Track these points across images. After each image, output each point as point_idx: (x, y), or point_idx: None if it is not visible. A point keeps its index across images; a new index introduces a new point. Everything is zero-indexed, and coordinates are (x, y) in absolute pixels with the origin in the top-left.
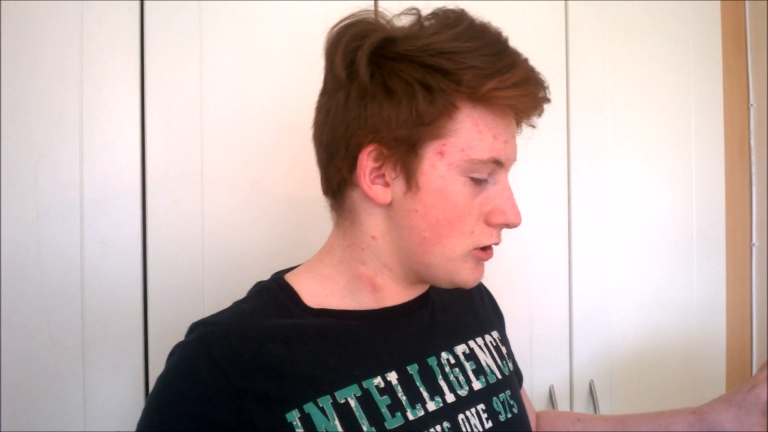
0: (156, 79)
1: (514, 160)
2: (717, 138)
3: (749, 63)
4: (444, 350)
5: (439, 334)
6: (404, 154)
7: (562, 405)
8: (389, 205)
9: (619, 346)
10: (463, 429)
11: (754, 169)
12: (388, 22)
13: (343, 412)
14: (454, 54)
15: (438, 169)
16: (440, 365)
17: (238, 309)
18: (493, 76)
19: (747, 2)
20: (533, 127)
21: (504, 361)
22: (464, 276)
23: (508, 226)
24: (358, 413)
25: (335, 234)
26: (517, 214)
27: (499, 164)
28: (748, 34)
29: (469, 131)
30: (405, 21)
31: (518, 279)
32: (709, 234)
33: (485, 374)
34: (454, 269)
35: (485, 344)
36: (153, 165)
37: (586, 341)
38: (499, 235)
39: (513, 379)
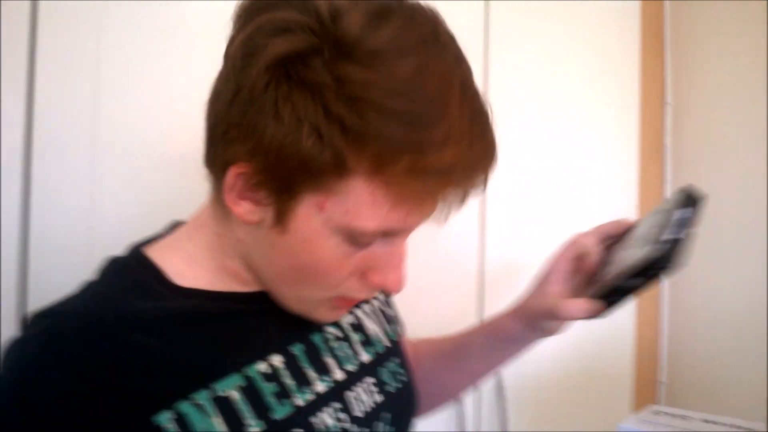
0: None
1: (421, 223)
2: (632, 137)
3: (667, 62)
4: (330, 323)
5: None
6: (279, 190)
7: (469, 399)
8: (255, 224)
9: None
10: (354, 407)
11: (668, 169)
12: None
13: (225, 407)
14: (367, 107)
15: (312, 221)
16: (326, 341)
17: (92, 291)
18: (407, 151)
19: (667, 2)
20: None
21: (392, 326)
22: (317, 317)
23: (384, 290)
24: (242, 406)
25: (209, 212)
26: (400, 282)
27: (390, 235)
28: (667, 35)
29: (360, 196)
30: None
31: (425, 254)
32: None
33: (373, 345)
34: (306, 309)
35: (372, 310)
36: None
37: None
38: (372, 292)
39: (400, 345)
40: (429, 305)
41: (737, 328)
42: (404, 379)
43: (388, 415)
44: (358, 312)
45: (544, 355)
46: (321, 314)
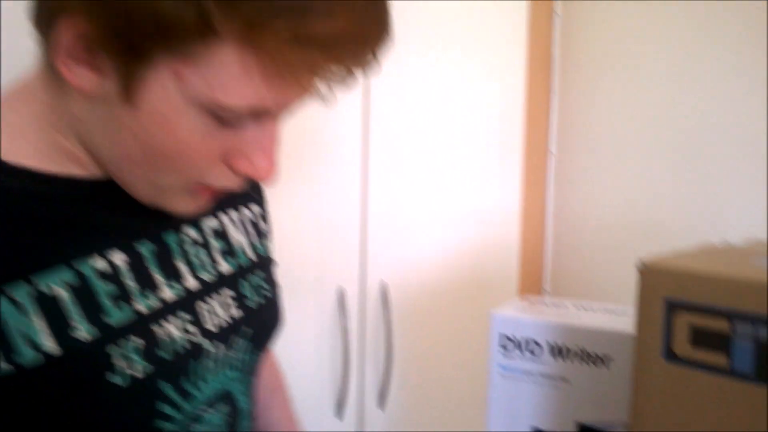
0: None
1: (298, 103)
2: (519, 46)
3: None
4: (188, 224)
5: None
6: (125, 53)
7: (353, 310)
8: (94, 97)
9: (414, 251)
10: (207, 320)
11: (555, 78)
12: None
13: (49, 305)
14: None
15: (168, 93)
16: (181, 243)
17: None
18: (286, 16)
19: None
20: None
21: (261, 240)
22: (174, 206)
23: (253, 178)
24: (71, 306)
25: (40, 78)
26: (270, 170)
27: (261, 113)
28: None
29: (228, 66)
30: None
31: (308, 171)
32: (507, 142)
33: (236, 255)
34: (161, 198)
35: (241, 220)
36: None
37: (380, 244)
38: (239, 182)
39: (270, 262)
40: (311, 245)
41: (615, 234)
42: (268, 294)
43: (249, 331)
44: (224, 218)
45: (428, 263)
46: (178, 203)
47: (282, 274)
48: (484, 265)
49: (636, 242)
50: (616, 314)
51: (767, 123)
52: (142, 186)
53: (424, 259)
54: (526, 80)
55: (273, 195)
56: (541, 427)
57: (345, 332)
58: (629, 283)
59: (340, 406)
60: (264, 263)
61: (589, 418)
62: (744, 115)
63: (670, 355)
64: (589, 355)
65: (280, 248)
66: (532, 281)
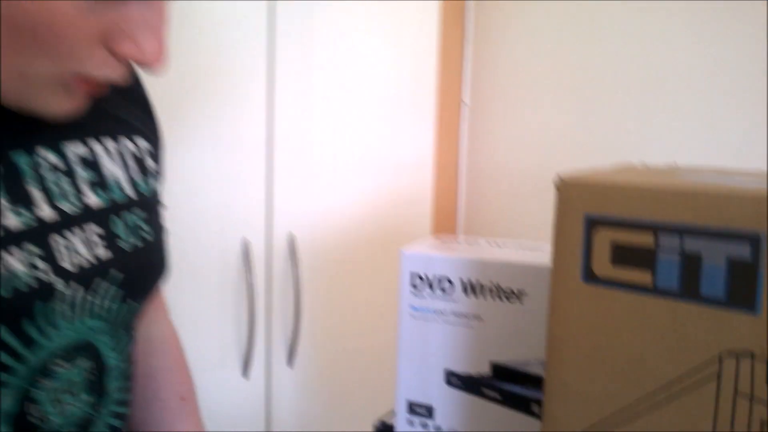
0: None
1: None
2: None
3: None
4: (45, 146)
5: (42, 121)
6: None
7: (259, 264)
8: None
9: (324, 202)
10: (63, 257)
11: (469, 26)
12: None
13: None
14: None
15: None
16: (35, 167)
17: None
18: None
19: None
20: None
21: (146, 178)
22: (43, 105)
23: (140, 64)
24: None
25: None
26: (158, 53)
27: None
28: None
29: None
30: None
31: (211, 114)
32: (421, 92)
33: (108, 189)
34: (25, 92)
35: (118, 151)
36: None
37: (287, 194)
38: (122, 71)
39: (155, 203)
40: (213, 194)
41: (527, 181)
42: (148, 237)
43: (119, 276)
44: (96, 147)
45: (338, 214)
46: (50, 101)
47: (182, 225)
48: (396, 216)
49: (549, 189)
50: (530, 249)
51: (671, 70)
52: (4, 78)
53: (334, 210)
54: (439, 30)
55: (172, 138)
56: (454, 368)
57: (250, 287)
58: (542, 227)
59: (246, 365)
60: (146, 203)
61: (504, 358)
62: (648, 62)
63: (590, 276)
64: (503, 291)
65: (179, 197)
66: (445, 229)
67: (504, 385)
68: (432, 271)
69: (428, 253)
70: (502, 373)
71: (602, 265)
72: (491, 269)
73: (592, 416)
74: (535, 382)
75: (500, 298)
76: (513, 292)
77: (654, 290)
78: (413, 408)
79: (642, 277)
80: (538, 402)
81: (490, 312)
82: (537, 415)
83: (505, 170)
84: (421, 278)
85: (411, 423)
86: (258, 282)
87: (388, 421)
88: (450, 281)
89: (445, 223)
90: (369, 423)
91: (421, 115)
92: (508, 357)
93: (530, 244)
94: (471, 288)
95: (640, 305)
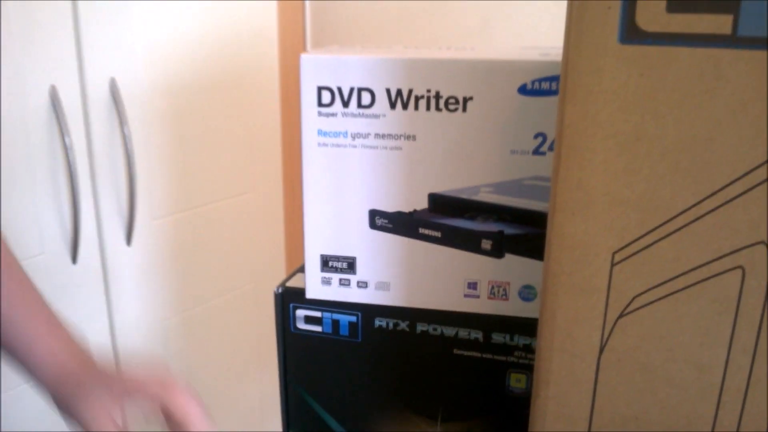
0: None
1: None
2: None
3: None
4: None
5: None
6: None
7: (75, 115)
8: None
9: (151, 42)
10: None
11: None
12: None
13: None
14: None
15: None
16: None
17: None
18: None
19: None
20: None
21: None
22: None
23: None
24: None
25: None
26: None
27: None
28: None
29: None
30: None
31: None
32: None
33: None
34: None
35: None
36: None
37: (103, 33)
38: None
39: None
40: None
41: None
42: None
43: None
44: None
45: (167, 56)
46: None
47: None
48: (238, 55)
49: None
50: (464, 49)
51: None
52: None
53: (161, 51)
54: None
55: None
56: (380, 206)
57: (66, 149)
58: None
59: (75, 249)
60: None
61: (445, 187)
62: None
63: (632, 32)
64: (442, 99)
65: None
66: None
67: (447, 220)
68: (347, 81)
69: (340, 57)
70: (443, 205)
71: (652, 15)
72: (427, 71)
73: (632, 230)
74: (485, 212)
75: (438, 108)
76: (455, 100)
77: (735, 40)
78: (329, 262)
79: (718, 23)
80: (491, 237)
81: (425, 128)
82: (490, 253)
83: None
84: (331, 92)
85: (327, 282)
86: (77, 143)
87: (296, 285)
88: (371, 92)
89: (292, 59)
90: (236, 299)
91: None
92: (450, 185)
93: (457, 44)
94: (400, 99)
95: (714, 64)
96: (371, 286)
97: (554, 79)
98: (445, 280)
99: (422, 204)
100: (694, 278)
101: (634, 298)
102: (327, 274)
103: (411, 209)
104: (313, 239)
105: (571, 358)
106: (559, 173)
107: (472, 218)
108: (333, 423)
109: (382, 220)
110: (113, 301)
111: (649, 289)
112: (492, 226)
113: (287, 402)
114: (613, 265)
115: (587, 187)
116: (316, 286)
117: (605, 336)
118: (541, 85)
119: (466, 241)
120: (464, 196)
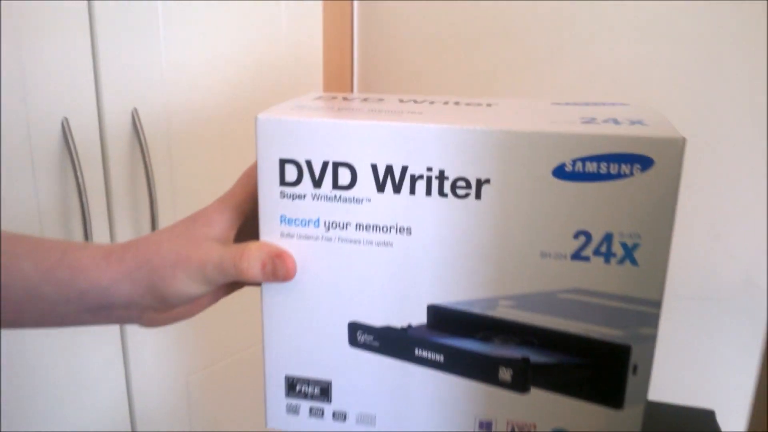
0: None
1: None
2: None
3: None
4: None
5: None
6: None
7: (90, 150)
8: None
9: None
10: None
11: None
12: None
13: None
14: None
15: None
16: None
17: None
18: None
19: None
20: None
21: None
22: None
23: None
24: None
25: None
26: None
27: None
28: None
29: None
30: None
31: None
32: None
33: None
34: None
35: None
36: None
37: (120, 51)
38: None
39: None
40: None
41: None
42: None
43: None
44: None
45: (196, 83)
46: None
47: None
48: (286, 69)
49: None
50: (480, 106)
51: None
52: None
53: (188, 79)
54: None
55: None
56: (363, 318)
57: (80, 188)
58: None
59: None
60: None
61: (449, 298)
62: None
63: None
64: (445, 179)
65: None
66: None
67: (452, 340)
68: (318, 153)
69: (309, 119)
70: (447, 321)
71: None
72: (427, 141)
73: None
74: (505, 332)
75: (442, 192)
76: (467, 183)
77: None
78: (296, 386)
79: None
80: (512, 365)
81: (424, 219)
82: (510, 386)
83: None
84: (298, 167)
85: (294, 410)
86: (91, 182)
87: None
88: (352, 169)
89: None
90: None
91: None
92: (457, 296)
93: (470, 99)
94: (391, 179)
95: None
96: (351, 417)
97: (603, 159)
98: (450, 418)
99: (419, 318)
100: None
101: None
102: (294, 401)
103: (404, 324)
104: (275, 356)
105: None
106: None
107: (486, 339)
108: None
109: (365, 337)
110: (130, 355)
111: None
112: (514, 352)
113: None
114: None
115: None
116: (279, 414)
117: None
118: (585, 167)
119: (479, 370)
120: (476, 310)
